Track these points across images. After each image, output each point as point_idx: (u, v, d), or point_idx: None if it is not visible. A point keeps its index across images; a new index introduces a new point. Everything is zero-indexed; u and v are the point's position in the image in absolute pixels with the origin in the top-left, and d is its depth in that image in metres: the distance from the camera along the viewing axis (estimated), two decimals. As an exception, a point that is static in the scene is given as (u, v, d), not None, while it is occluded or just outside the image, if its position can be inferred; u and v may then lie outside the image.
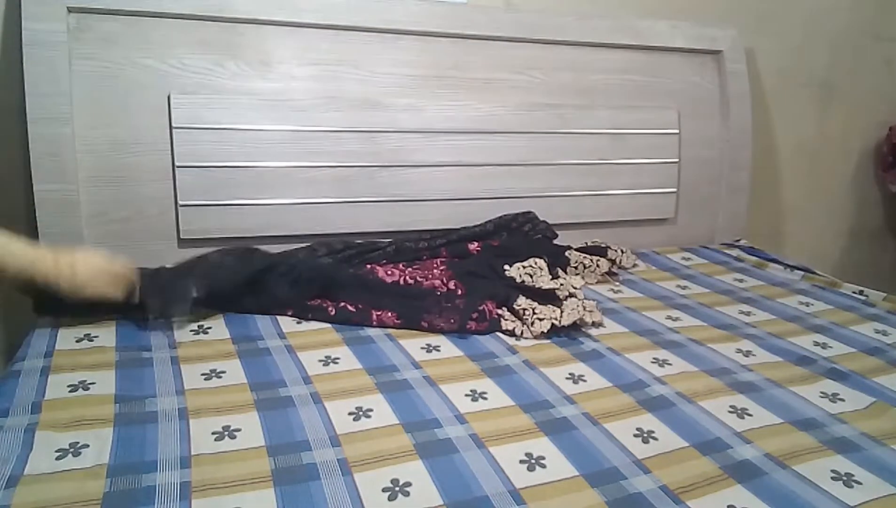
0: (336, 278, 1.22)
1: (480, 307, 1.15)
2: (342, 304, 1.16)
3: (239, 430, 0.79)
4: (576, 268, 1.42)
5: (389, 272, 1.29)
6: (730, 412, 0.87)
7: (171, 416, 0.81)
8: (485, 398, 0.89)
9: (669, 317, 1.21)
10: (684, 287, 1.41)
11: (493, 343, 1.07)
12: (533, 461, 0.75)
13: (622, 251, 1.52)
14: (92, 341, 1.01)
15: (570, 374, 0.97)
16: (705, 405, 0.88)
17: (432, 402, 0.87)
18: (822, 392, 0.93)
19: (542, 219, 1.54)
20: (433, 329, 1.11)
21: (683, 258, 1.63)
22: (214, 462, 0.72)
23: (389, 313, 1.13)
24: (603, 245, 1.53)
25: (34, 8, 1.20)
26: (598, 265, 1.43)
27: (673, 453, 0.77)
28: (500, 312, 1.16)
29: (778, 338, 1.13)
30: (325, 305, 1.16)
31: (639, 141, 1.67)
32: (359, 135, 1.43)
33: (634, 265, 1.53)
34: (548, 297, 1.19)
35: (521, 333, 1.11)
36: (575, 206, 1.63)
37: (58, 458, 0.72)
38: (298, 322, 1.13)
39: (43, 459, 0.71)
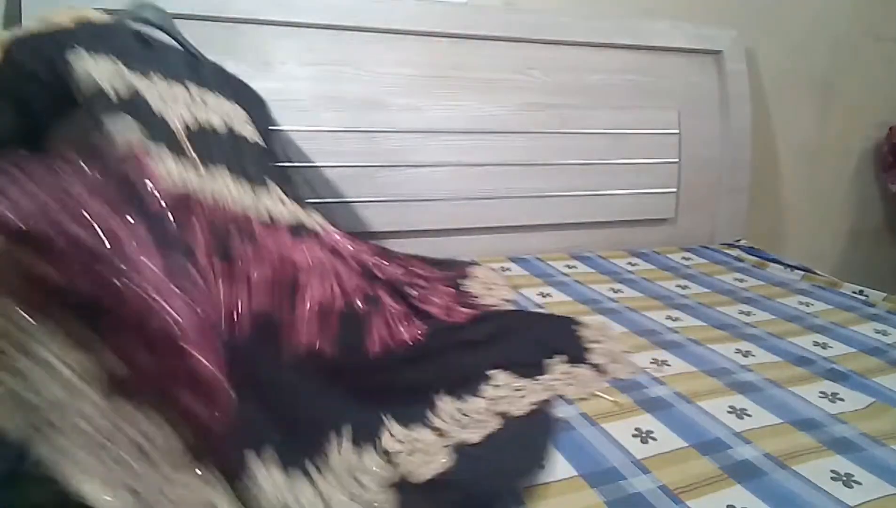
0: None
1: None
2: None
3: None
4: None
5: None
6: (729, 412, 0.87)
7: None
8: (484, 398, 0.88)
9: (669, 317, 1.21)
10: (684, 287, 1.41)
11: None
12: (533, 461, 0.75)
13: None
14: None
15: (569, 374, 0.96)
16: (705, 406, 0.88)
17: (432, 402, 0.87)
18: (821, 392, 0.93)
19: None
20: None
21: (683, 258, 1.63)
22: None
23: None
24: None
25: (34, 8, 1.20)
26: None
27: (672, 453, 0.77)
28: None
29: (778, 338, 1.13)
30: None
31: (639, 141, 1.67)
32: (359, 135, 1.43)
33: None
34: None
35: None
36: (575, 206, 1.63)
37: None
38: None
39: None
